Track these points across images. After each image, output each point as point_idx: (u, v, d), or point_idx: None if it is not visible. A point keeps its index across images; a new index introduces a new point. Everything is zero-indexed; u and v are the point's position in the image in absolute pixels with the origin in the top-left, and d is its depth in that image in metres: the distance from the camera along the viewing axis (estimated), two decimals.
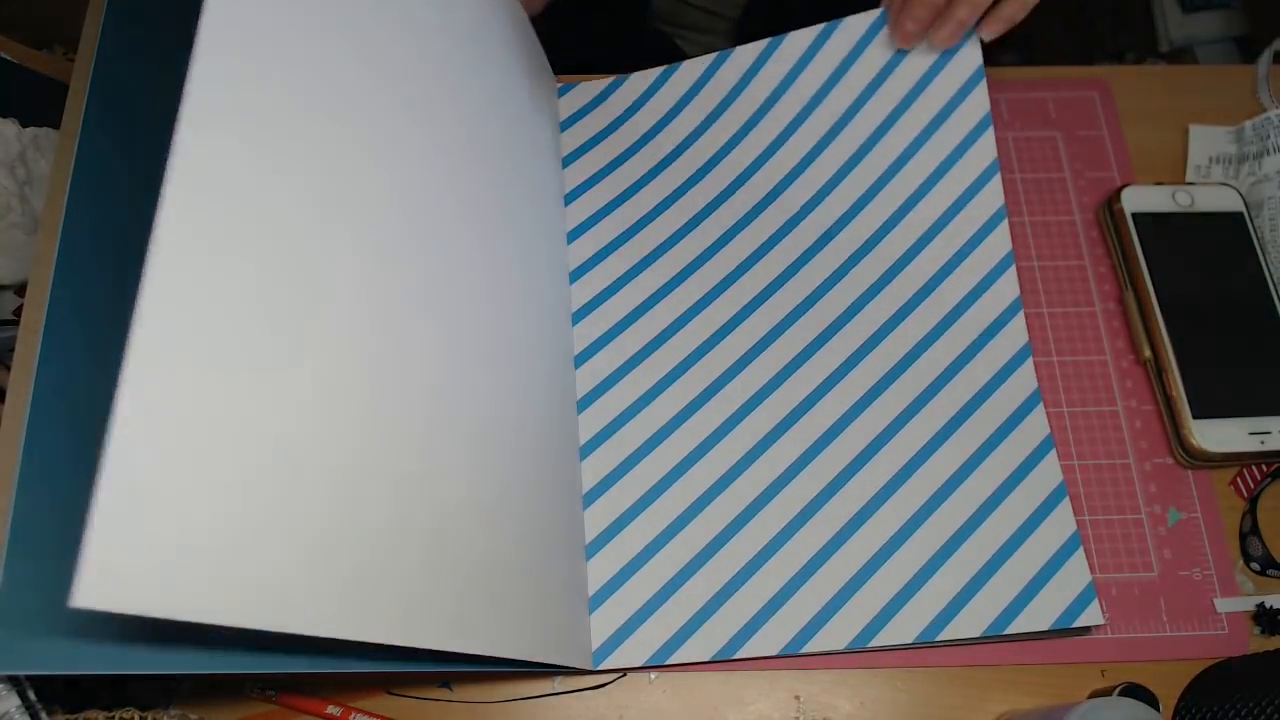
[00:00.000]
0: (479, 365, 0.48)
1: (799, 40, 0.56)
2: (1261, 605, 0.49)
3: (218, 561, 0.35)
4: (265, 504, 0.37)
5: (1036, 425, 0.51)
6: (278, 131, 0.40)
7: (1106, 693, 0.47)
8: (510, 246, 0.52)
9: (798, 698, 0.48)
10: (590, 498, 0.49)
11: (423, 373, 0.45)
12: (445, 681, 0.48)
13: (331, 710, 0.46)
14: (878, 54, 0.55)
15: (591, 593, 0.47)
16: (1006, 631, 0.47)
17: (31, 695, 0.38)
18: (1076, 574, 0.48)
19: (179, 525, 0.35)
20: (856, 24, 0.55)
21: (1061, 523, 0.49)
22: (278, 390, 0.39)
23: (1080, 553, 0.48)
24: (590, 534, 0.49)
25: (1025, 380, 0.52)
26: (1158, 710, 0.46)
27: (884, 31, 0.55)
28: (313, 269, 0.42)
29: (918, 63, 0.54)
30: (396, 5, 0.48)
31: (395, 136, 0.47)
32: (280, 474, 0.38)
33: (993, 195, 0.53)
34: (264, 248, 0.38)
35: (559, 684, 0.48)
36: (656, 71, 0.59)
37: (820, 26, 0.56)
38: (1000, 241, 0.53)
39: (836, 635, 0.47)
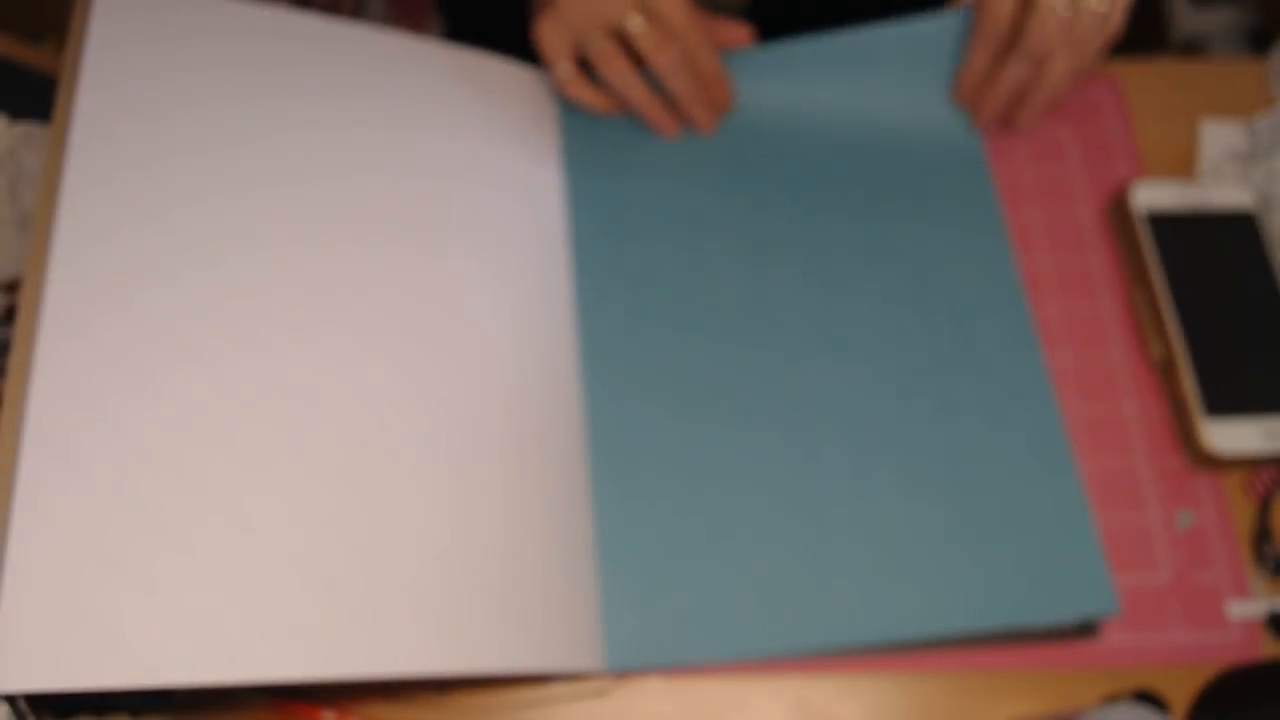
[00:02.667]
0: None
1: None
2: (1275, 610, 0.48)
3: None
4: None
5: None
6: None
7: (1116, 699, 0.46)
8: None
9: (801, 702, 0.47)
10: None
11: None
12: (442, 687, 0.47)
13: (327, 715, 0.46)
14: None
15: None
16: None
17: (22, 703, 0.38)
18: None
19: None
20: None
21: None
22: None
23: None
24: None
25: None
26: (1168, 717, 0.46)
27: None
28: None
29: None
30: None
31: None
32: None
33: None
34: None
35: (559, 689, 0.47)
36: None
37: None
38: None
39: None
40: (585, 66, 0.54)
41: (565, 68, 0.54)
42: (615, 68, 0.52)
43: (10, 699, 0.37)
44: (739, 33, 0.56)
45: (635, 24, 0.50)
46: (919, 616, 0.46)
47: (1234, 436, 0.50)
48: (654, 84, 0.54)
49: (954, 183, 0.56)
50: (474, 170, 0.52)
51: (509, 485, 0.46)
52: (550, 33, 0.52)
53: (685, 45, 0.52)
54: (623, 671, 0.46)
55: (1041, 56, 0.51)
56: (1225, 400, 0.51)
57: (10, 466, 0.37)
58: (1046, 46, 0.51)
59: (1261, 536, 0.50)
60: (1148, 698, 0.46)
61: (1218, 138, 0.59)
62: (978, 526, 0.48)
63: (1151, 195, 0.55)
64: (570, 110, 0.58)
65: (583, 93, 0.55)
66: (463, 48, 0.56)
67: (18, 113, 0.48)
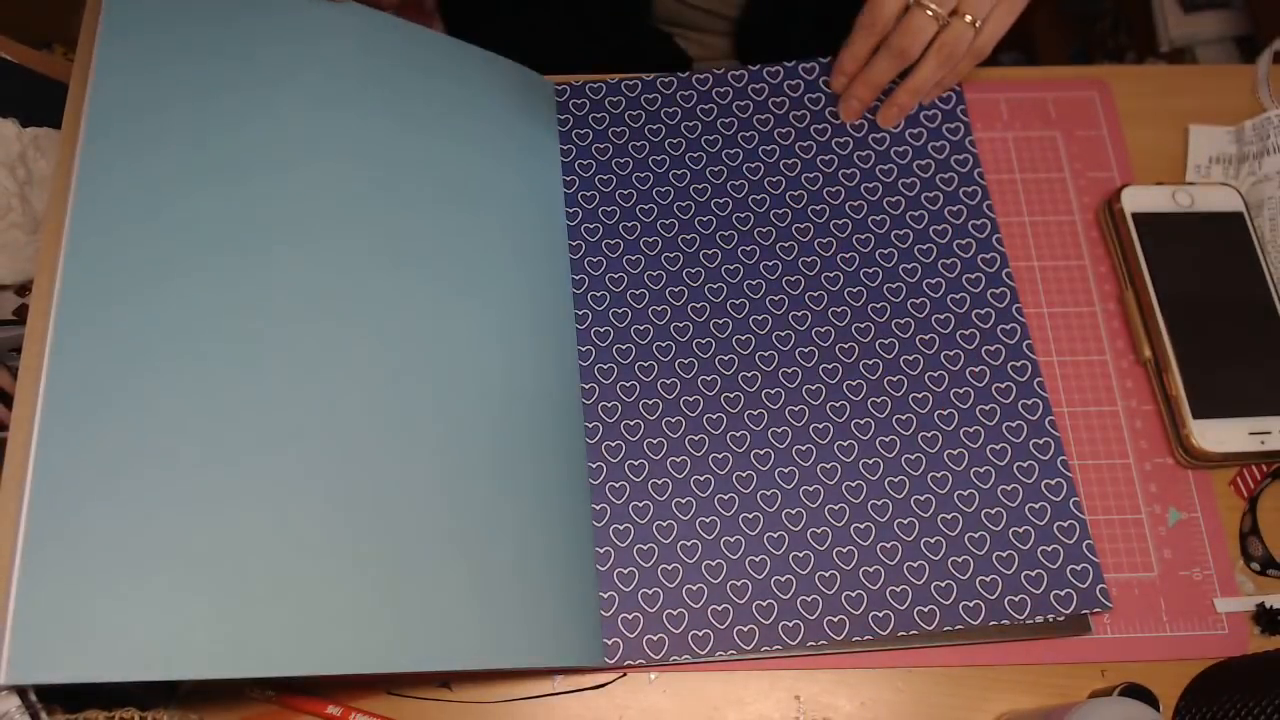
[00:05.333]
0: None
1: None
2: (1261, 605, 0.49)
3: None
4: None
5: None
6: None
7: (1107, 693, 0.47)
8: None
9: (798, 698, 0.48)
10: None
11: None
12: (445, 681, 0.48)
13: (332, 710, 0.46)
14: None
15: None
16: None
17: (32, 696, 0.38)
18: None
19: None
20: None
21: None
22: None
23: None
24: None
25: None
26: (1158, 710, 0.47)
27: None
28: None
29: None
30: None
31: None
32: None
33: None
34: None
35: (559, 683, 0.48)
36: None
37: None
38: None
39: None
40: None
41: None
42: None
43: (21, 690, 0.38)
44: None
45: None
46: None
47: (1222, 436, 0.50)
48: None
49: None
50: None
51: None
52: None
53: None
54: (621, 667, 0.47)
55: (909, 55, 0.54)
56: (1214, 401, 0.51)
57: (23, 463, 0.38)
58: (914, 46, 0.53)
59: (1249, 534, 0.50)
60: (1137, 691, 0.47)
61: (1206, 142, 0.60)
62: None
63: (1141, 198, 0.56)
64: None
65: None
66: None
67: (28, 117, 0.49)
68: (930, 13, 0.52)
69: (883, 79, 0.56)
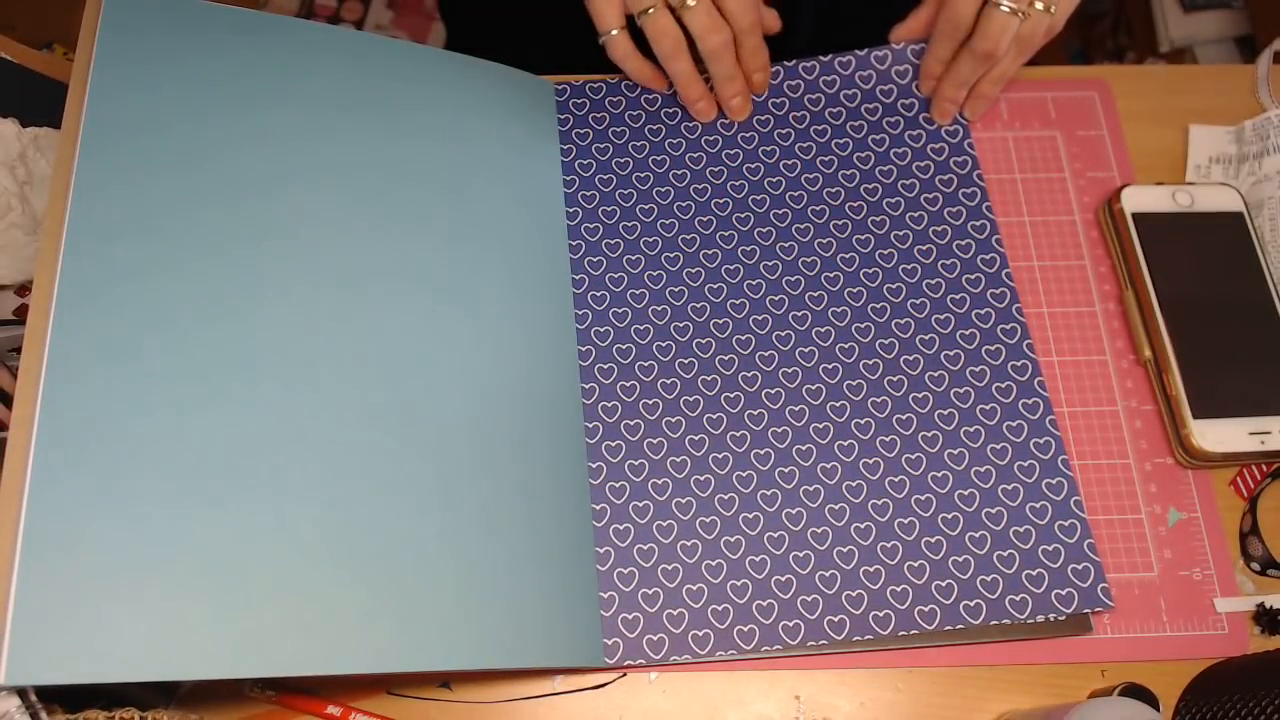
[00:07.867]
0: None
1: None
2: (1261, 605, 0.49)
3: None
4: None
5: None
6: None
7: (1106, 693, 0.47)
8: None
9: (798, 698, 0.48)
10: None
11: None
12: (445, 682, 0.48)
13: (331, 710, 0.46)
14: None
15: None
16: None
17: (32, 695, 0.38)
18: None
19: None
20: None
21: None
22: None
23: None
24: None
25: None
26: (1158, 710, 0.47)
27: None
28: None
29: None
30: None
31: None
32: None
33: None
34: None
35: (559, 683, 0.48)
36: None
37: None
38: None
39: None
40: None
41: (619, 35, 0.55)
42: (670, 43, 0.54)
43: (21, 691, 0.38)
44: (772, 20, 0.58)
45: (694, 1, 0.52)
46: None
47: (1222, 437, 0.50)
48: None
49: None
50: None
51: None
52: None
53: (738, 29, 0.54)
54: (621, 667, 0.47)
55: (995, 56, 0.54)
56: (1214, 401, 0.51)
57: (23, 463, 0.38)
58: (999, 47, 0.53)
59: (1249, 534, 0.50)
60: (1137, 691, 0.47)
61: (1206, 142, 0.60)
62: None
63: (1141, 198, 0.56)
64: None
65: (631, 62, 0.56)
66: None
67: (28, 117, 0.49)
68: (1007, 9, 0.51)
69: (971, 78, 0.56)
